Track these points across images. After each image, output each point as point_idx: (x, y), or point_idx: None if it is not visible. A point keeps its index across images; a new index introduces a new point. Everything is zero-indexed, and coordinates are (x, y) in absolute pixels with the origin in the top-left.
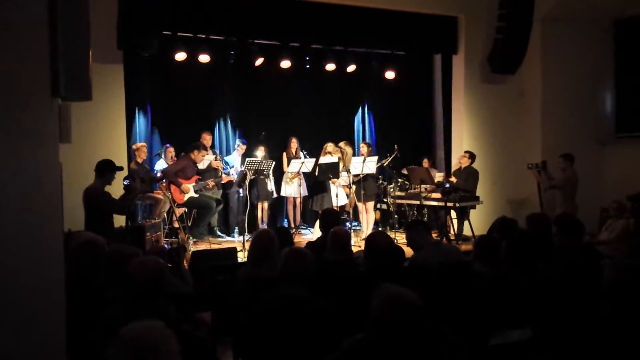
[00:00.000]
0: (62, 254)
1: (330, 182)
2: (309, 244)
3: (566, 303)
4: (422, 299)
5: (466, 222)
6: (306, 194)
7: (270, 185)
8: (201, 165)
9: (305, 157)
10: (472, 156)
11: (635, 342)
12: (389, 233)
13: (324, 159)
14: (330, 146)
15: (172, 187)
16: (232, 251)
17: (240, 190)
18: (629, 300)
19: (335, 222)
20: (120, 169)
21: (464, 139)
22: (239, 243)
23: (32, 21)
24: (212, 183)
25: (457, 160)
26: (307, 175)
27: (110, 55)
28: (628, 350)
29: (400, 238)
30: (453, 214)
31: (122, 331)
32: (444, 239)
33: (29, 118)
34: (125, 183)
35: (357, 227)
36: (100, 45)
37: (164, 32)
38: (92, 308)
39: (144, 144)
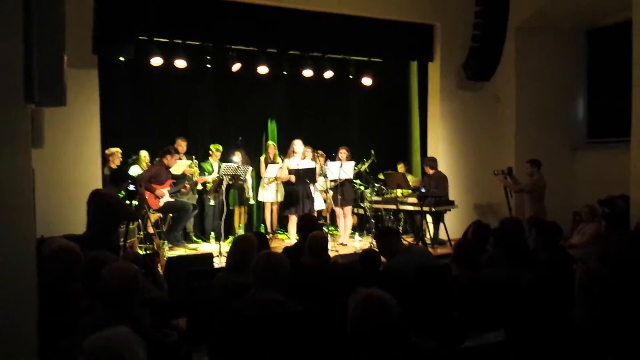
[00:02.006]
0: (35, 261)
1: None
2: (286, 248)
3: (540, 306)
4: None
5: (442, 226)
6: (282, 199)
7: (247, 190)
8: (177, 171)
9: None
10: (432, 162)
11: (605, 346)
12: (365, 237)
13: (293, 161)
14: (303, 149)
15: (147, 193)
16: (208, 257)
17: (214, 197)
18: (599, 304)
19: (313, 227)
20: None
21: (439, 145)
22: (215, 249)
23: (6, 26)
24: (188, 186)
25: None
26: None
27: (85, 60)
28: (598, 353)
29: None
30: (429, 218)
31: (85, 341)
32: (420, 243)
33: (1, 123)
34: (131, 189)
35: (335, 232)
36: (74, 49)
37: (140, 37)
38: (66, 316)
39: (118, 149)
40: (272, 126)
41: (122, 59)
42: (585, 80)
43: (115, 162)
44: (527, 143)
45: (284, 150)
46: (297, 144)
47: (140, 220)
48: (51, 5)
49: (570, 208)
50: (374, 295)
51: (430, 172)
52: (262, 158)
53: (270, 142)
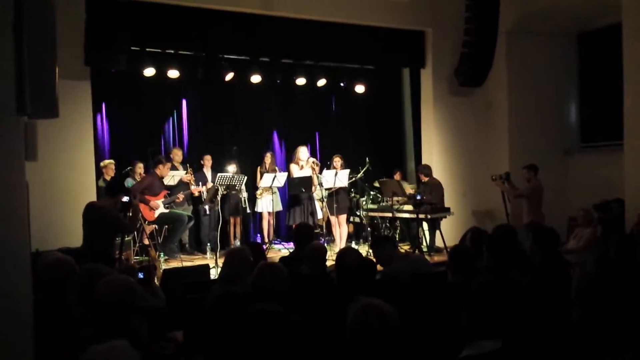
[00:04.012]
0: (30, 275)
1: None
2: (283, 258)
3: (538, 311)
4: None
5: (438, 233)
6: (280, 208)
7: (243, 200)
8: (172, 182)
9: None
10: (426, 169)
11: (603, 350)
12: (362, 246)
13: (295, 169)
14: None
15: (141, 205)
16: (205, 268)
17: (208, 208)
18: (596, 309)
19: (310, 236)
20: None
21: (433, 151)
22: (211, 259)
23: None
24: (182, 196)
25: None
26: (282, 190)
27: (78, 72)
28: (596, 357)
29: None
30: (425, 225)
31: (83, 355)
32: (417, 251)
33: None
34: (125, 200)
35: (330, 241)
36: (67, 61)
37: (132, 48)
38: (62, 329)
39: (112, 161)
40: (265, 136)
41: (114, 69)
42: (577, 84)
43: (110, 173)
44: (520, 148)
45: (280, 160)
46: (302, 151)
47: (135, 232)
48: (42, 16)
49: (565, 213)
50: (373, 304)
51: (425, 179)
52: (258, 168)
53: (268, 153)
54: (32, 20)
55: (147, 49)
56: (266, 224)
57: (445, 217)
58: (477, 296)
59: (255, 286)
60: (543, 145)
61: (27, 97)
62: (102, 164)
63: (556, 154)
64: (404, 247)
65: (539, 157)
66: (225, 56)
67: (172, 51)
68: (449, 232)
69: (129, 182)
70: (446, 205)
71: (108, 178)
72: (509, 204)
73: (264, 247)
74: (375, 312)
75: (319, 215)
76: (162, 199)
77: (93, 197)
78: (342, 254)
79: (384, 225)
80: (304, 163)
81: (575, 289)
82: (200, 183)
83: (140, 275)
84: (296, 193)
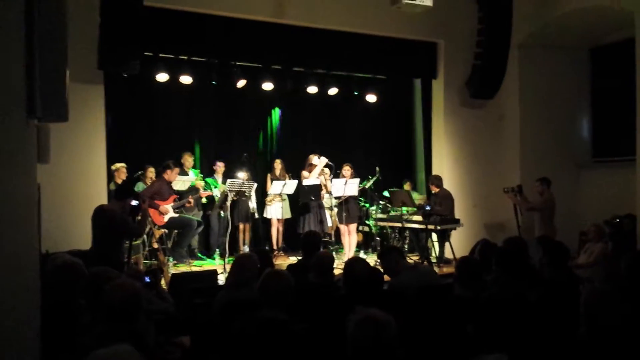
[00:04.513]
0: (38, 276)
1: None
2: (290, 266)
3: (545, 326)
4: (397, 322)
5: (447, 245)
6: (289, 216)
7: (252, 207)
8: (183, 187)
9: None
10: (437, 180)
11: None
12: (371, 255)
13: (307, 177)
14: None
15: (151, 209)
16: (213, 274)
17: (221, 212)
18: (604, 326)
19: (317, 244)
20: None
21: (444, 162)
22: (220, 265)
23: (8, 42)
24: (192, 200)
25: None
26: (291, 198)
27: (91, 75)
28: None
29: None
30: (434, 236)
31: (87, 359)
32: (425, 262)
33: (3, 139)
34: (134, 204)
35: (340, 250)
36: (80, 65)
37: (145, 53)
38: (69, 332)
39: (124, 164)
40: (276, 143)
41: (127, 74)
42: (590, 98)
43: (121, 177)
44: (532, 161)
45: (289, 168)
46: (315, 159)
47: (145, 236)
48: (53, 20)
49: (577, 227)
50: (372, 315)
51: (436, 190)
52: (268, 175)
53: (278, 160)
54: (43, 25)
55: (160, 55)
56: (275, 231)
57: (455, 228)
58: (483, 310)
59: (261, 293)
60: (555, 158)
61: (37, 101)
62: (113, 167)
63: (568, 168)
64: (413, 258)
65: (551, 170)
66: (238, 63)
67: (185, 57)
68: (460, 244)
69: (139, 186)
70: (457, 216)
71: (119, 181)
72: (521, 217)
73: (275, 253)
74: (374, 323)
75: (329, 223)
76: (172, 204)
77: (104, 200)
78: (350, 263)
79: (393, 235)
80: (318, 170)
81: (583, 305)
82: (212, 188)
83: (147, 279)
84: (306, 201)
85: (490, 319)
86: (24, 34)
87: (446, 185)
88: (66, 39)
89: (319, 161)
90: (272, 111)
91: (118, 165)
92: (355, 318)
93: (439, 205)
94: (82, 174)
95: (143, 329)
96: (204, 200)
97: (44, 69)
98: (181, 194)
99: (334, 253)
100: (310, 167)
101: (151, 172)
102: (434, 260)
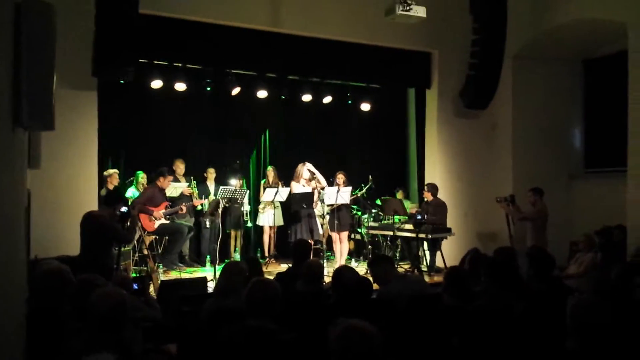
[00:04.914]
0: (25, 283)
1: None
2: (279, 274)
3: (533, 337)
4: (385, 332)
5: (438, 254)
6: (281, 223)
7: (245, 214)
8: (174, 193)
9: (284, 187)
10: (433, 189)
11: None
12: (362, 263)
13: (295, 187)
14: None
15: (142, 215)
16: (202, 281)
17: (210, 220)
18: (591, 337)
19: (307, 252)
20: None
21: (436, 171)
22: (210, 272)
23: None
24: (185, 207)
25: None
26: (284, 205)
27: (85, 82)
28: None
29: None
30: (426, 245)
31: None
32: (416, 270)
33: None
34: (123, 210)
35: (331, 257)
36: (74, 71)
37: (140, 60)
38: (54, 339)
39: (116, 170)
40: (269, 150)
41: (121, 81)
42: (582, 109)
43: (113, 183)
44: (524, 171)
45: (282, 175)
46: (304, 170)
47: (136, 242)
48: (41, 30)
49: (568, 237)
50: (354, 325)
51: (429, 198)
52: (262, 182)
53: (270, 167)
54: (30, 35)
55: (155, 62)
56: (267, 238)
57: (446, 237)
58: (470, 321)
59: (247, 302)
60: (547, 169)
61: (23, 110)
62: (105, 173)
63: (560, 178)
64: (404, 266)
65: (543, 180)
66: (233, 71)
67: (180, 64)
68: (451, 253)
69: (132, 193)
70: (449, 225)
71: (111, 187)
72: (513, 227)
73: (267, 260)
74: (357, 334)
75: (320, 231)
76: (163, 210)
77: (95, 206)
78: (338, 271)
79: (384, 244)
80: (304, 182)
81: (570, 316)
82: (202, 196)
83: (135, 286)
84: (297, 209)
85: (475, 331)
86: (11, 44)
87: (439, 194)
88: (54, 49)
89: (302, 168)
90: (266, 119)
91: (110, 171)
92: (337, 329)
93: (432, 214)
94: (73, 179)
95: (129, 337)
96: (199, 207)
97: (30, 78)
98: (172, 201)
99: (325, 261)
100: (297, 177)
101: (143, 178)
102: (425, 269)
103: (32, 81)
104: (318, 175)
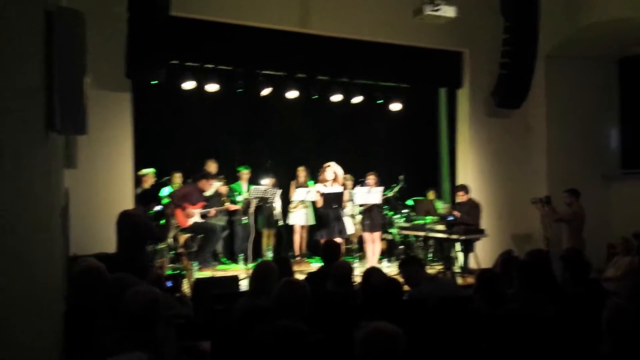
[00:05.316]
0: (62, 280)
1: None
2: (310, 274)
3: (565, 341)
4: (414, 334)
5: (472, 255)
6: (313, 222)
7: (276, 213)
8: (208, 192)
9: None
10: (464, 189)
11: None
12: (394, 264)
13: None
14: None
15: (177, 210)
16: (235, 279)
17: (245, 218)
18: (626, 342)
19: (337, 253)
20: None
21: (468, 172)
22: (243, 270)
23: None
24: (214, 211)
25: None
26: (314, 204)
27: (119, 84)
28: None
29: None
30: (459, 246)
31: None
32: (448, 272)
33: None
34: (158, 209)
35: (359, 258)
36: (108, 73)
37: (172, 62)
38: (90, 336)
39: (152, 170)
40: (300, 150)
41: (153, 82)
42: (618, 109)
43: (149, 182)
44: (559, 172)
45: (314, 175)
46: (328, 171)
47: (172, 240)
48: (72, 38)
49: (605, 239)
50: (378, 328)
51: (464, 199)
52: (293, 182)
53: (301, 167)
54: (62, 43)
55: (187, 63)
56: (298, 237)
57: (479, 238)
58: (499, 326)
59: (277, 302)
60: (583, 170)
61: (56, 116)
62: (140, 173)
63: (596, 179)
64: (437, 267)
65: (579, 181)
66: (263, 72)
67: (211, 66)
68: (486, 254)
69: (167, 192)
70: (483, 227)
71: (147, 186)
72: (549, 228)
73: (297, 260)
74: (382, 337)
75: (349, 231)
76: (199, 210)
77: (130, 205)
78: (367, 273)
79: (417, 244)
80: (329, 183)
81: (605, 320)
82: (235, 195)
83: (169, 284)
84: (327, 209)
85: (505, 335)
86: (43, 52)
87: (471, 195)
88: (84, 56)
89: (332, 176)
90: (296, 119)
91: (146, 170)
92: (362, 332)
93: (466, 215)
94: (109, 178)
95: (162, 336)
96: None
97: (62, 85)
98: (207, 200)
99: (357, 261)
100: (324, 178)
101: (178, 178)
102: (458, 271)
103: (63, 87)
104: (339, 174)
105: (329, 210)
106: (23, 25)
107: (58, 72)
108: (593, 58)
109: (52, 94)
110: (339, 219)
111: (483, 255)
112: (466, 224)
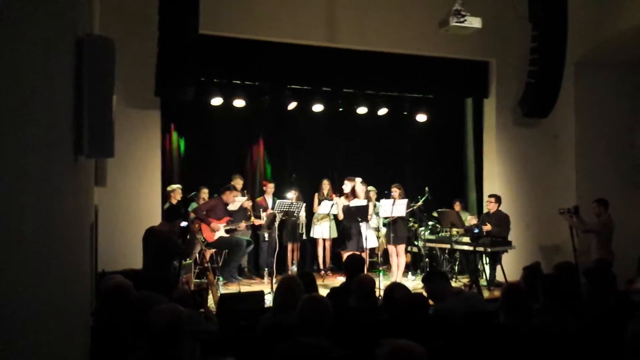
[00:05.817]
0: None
1: (360, 224)
2: (333, 289)
3: (593, 357)
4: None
5: (499, 268)
6: (336, 235)
7: (301, 226)
8: (233, 207)
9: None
10: (497, 199)
11: None
12: (419, 277)
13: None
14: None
15: (203, 225)
16: (260, 295)
17: (268, 233)
18: None
19: (360, 267)
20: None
21: (495, 182)
22: (268, 285)
23: (59, 86)
24: (243, 225)
25: (486, 204)
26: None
27: (148, 102)
28: None
29: None
30: (485, 258)
31: None
32: (474, 285)
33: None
34: (183, 225)
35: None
36: (138, 91)
37: (200, 79)
38: (116, 352)
39: (179, 185)
40: (325, 163)
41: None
42: None
43: (177, 197)
44: (588, 182)
45: (338, 188)
46: (346, 184)
47: (197, 255)
48: (101, 63)
49: (636, 250)
50: (400, 345)
51: (494, 209)
52: (316, 195)
53: (325, 180)
54: (91, 70)
55: (215, 80)
56: (321, 250)
57: (506, 251)
58: (525, 340)
59: (299, 319)
60: (612, 179)
61: (85, 140)
62: (169, 188)
63: (626, 189)
64: (463, 280)
65: (608, 191)
66: (289, 86)
67: (239, 82)
68: (513, 267)
69: (193, 206)
70: (510, 238)
71: (174, 202)
72: (577, 239)
73: (322, 273)
74: (404, 355)
75: (372, 244)
76: (225, 224)
77: (158, 221)
78: (390, 289)
79: (442, 257)
80: (343, 197)
81: (629, 336)
82: (261, 210)
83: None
84: (350, 223)
85: (528, 351)
86: (73, 79)
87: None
88: (113, 83)
89: (349, 189)
90: (322, 132)
91: (174, 186)
92: (383, 350)
93: (496, 226)
94: (138, 195)
95: (187, 352)
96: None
97: (91, 111)
98: (232, 215)
99: (381, 274)
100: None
101: (204, 193)
102: (484, 284)
103: (92, 113)
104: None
105: (351, 224)
106: (54, 55)
107: (87, 99)
108: (623, 65)
109: (81, 120)
110: (359, 232)
111: (510, 267)
112: (494, 236)
